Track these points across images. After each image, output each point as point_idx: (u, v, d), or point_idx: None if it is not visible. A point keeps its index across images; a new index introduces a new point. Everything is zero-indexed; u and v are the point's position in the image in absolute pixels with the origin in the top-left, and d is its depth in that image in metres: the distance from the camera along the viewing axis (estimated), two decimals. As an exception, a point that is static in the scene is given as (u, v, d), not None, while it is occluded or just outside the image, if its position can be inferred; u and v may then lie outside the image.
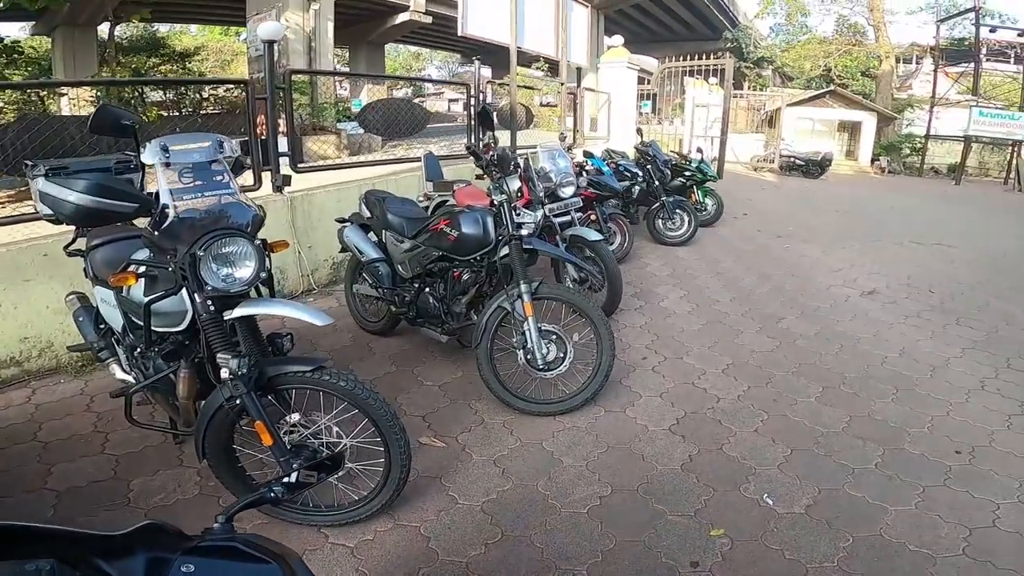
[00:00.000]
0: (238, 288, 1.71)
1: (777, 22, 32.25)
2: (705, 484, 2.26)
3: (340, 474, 1.89)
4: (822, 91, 20.58)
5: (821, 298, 4.63)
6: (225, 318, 1.73)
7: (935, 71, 19.26)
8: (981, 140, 17.70)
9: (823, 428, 2.68)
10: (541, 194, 3.49)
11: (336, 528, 1.96)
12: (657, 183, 6.14)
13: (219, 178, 1.75)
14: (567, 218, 3.84)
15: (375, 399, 1.82)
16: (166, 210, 1.66)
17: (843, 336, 3.82)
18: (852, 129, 20.37)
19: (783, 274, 5.29)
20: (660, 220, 6.15)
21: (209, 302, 1.70)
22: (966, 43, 20.27)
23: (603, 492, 2.20)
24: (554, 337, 2.66)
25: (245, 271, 1.72)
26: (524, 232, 2.61)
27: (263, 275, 1.76)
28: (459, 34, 5.96)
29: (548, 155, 3.92)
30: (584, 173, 5.17)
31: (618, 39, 11.28)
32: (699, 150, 7.38)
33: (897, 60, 28.35)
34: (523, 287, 2.57)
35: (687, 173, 7.08)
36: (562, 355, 2.66)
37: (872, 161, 19.56)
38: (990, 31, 18.79)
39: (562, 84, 7.64)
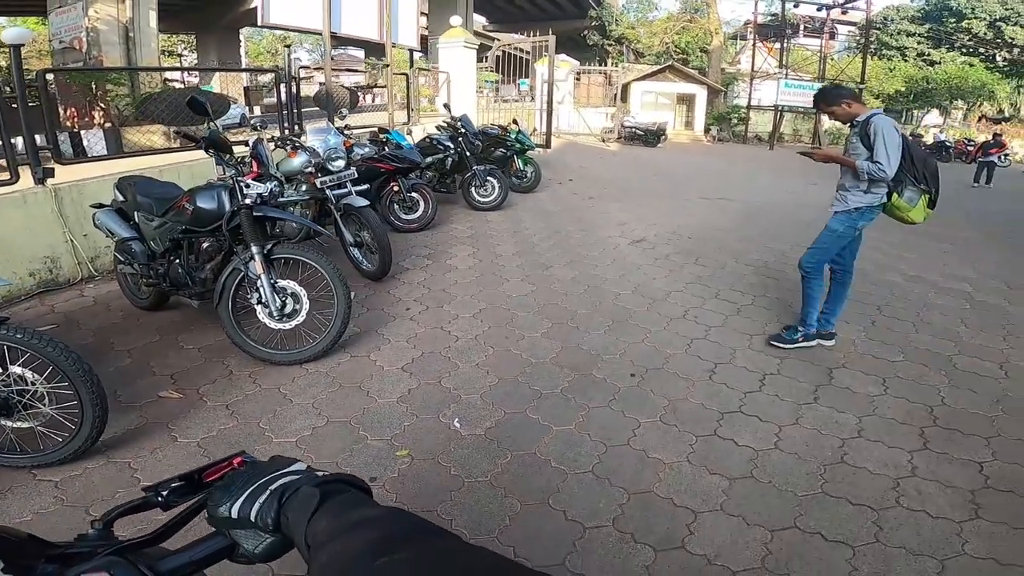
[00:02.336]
0: None
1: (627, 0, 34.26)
2: (411, 412, 2.63)
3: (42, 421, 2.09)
4: (662, 66, 22.26)
5: (595, 248, 5.31)
6: None
7: (753, 46, 21.60)
8: (791, 109, 20.28)
9: (535, 359, 3.16)
10: (295, 165, 3.74)
11: (48, 467, 2.14)
12: (469, 154, 6.56)
13: None
14: (344, 190, 4.08)
15: (55, 347, 2.01)
16: None
17: (594, 279, 4.46)
18: (689, 101, 22.34)
19: (574, 229, 5.95)
20: (473, 188, 6.59)
21: None
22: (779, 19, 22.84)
23: (318, 423, 2.52)
24: (289, 292, 2.94)
25: None
26: (247, 202, 2.83)
27: None
28: (259, 24, 5.90)
29: (316, 134, 4.12)
30: (385, 147, 5.46)
31: (456, 19, 11.53)
32: (514, 121, 7.89)
33: (733, 37, 31.36)
34: (254, 249, 2.81)
35: (508, 143, 7.60)
36: (298, 307, 2.95)
37: (705, 130, 21.68)
38: (795, 6, 21.32)
39: (386, 66, 7.77)
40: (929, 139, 23.67)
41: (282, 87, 5.99)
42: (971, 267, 5.41)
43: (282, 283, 2.93)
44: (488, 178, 6.58)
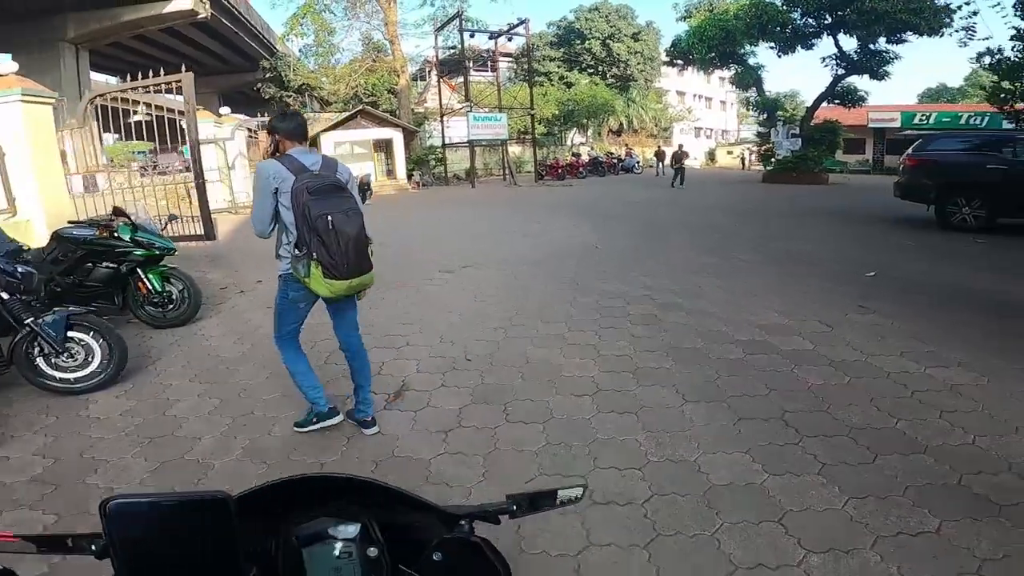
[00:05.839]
0: None
1: (306, 44, 30.94)
2: None
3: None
4: (352, 112, 20.44)
5: (311, 436, 2.81)
6: None
7: (439, 82, 21.44)
8: (480, 143, 20.60)
9: None
10: None
11: None
12: (13, 296, 3.31)
13: None
14: None
15: None
16: None
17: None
18: (387, 147, 20.97)
19: (274, 398, 3.31)
20: (40, 360, 3.35)
21: None
22: (458, 51, 23.09)
23: None
24: None
25: None
26: None
27: None
28: None
29: None
30: None
31: (6, 65, 7.26)
32: (116, 210, 4.74)
33: (415, 77, 31.22)
34: None
35: (118, 251, 4.47)
36: None
37: (409, 176, 20.62)
38: (471, 36, 21.90)
39: None
40: (586, 157, 27.14)
41: None
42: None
43: None
44: (72, 335, 3.42)
